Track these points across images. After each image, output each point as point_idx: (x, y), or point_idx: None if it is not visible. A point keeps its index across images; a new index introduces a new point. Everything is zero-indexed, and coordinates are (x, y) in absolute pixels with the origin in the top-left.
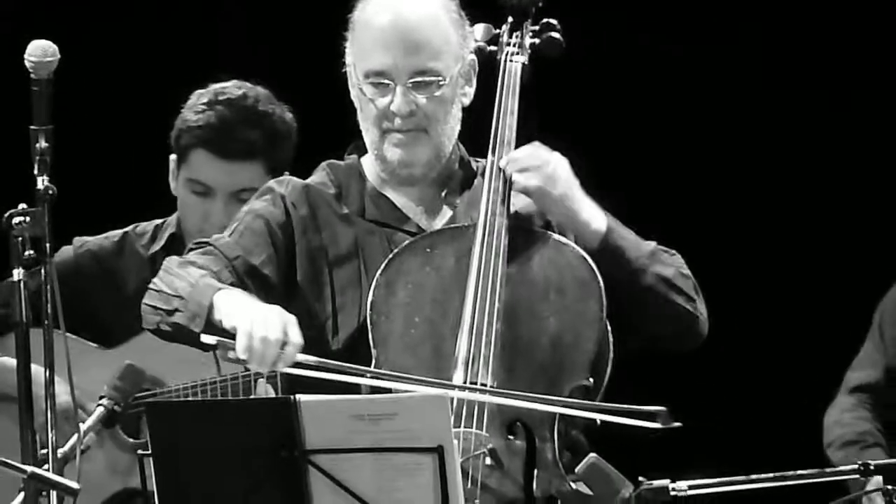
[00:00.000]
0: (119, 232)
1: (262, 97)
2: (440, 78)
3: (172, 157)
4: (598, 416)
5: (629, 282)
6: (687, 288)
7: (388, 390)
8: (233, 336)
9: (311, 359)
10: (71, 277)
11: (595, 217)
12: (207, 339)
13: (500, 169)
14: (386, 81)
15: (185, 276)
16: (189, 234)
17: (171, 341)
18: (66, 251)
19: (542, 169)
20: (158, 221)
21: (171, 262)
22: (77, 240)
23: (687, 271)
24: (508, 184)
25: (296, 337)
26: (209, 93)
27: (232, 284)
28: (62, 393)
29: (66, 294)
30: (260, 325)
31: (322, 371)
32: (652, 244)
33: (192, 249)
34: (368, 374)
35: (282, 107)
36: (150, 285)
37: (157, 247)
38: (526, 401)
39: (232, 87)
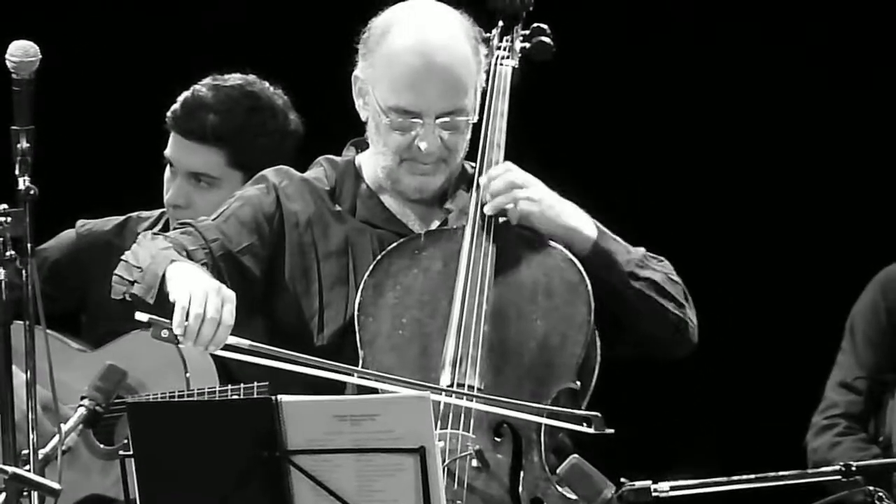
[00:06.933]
0: (123, 217)
1: (251, 91)
2: (467, 116)
3: None
4: (539, 420)
5: (619, 286)
6: (676, 293)
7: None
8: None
9: (244, 342)
10: (72, 255)
11: (583, 224)
12: (140, 316)
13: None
14: (414, 120)
15: (149, 248)
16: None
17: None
18: (68, 232)
19: (517, 196)
20: (162, 210)
21: (146, 235)
22: (80, 222)
23: (676, 277)
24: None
25: (227, 318)
26: (208, 79)
27: (204, 265)
28: (41, 386)
29: (66, 272)
30: (197, 302)
31: (254, 356)
32: (641, 250)
33: (174, 229)
34: (301, 362)
35: (282, 111)
36: (122, 256)
37: (156, 229)
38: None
39: (233, 77)
